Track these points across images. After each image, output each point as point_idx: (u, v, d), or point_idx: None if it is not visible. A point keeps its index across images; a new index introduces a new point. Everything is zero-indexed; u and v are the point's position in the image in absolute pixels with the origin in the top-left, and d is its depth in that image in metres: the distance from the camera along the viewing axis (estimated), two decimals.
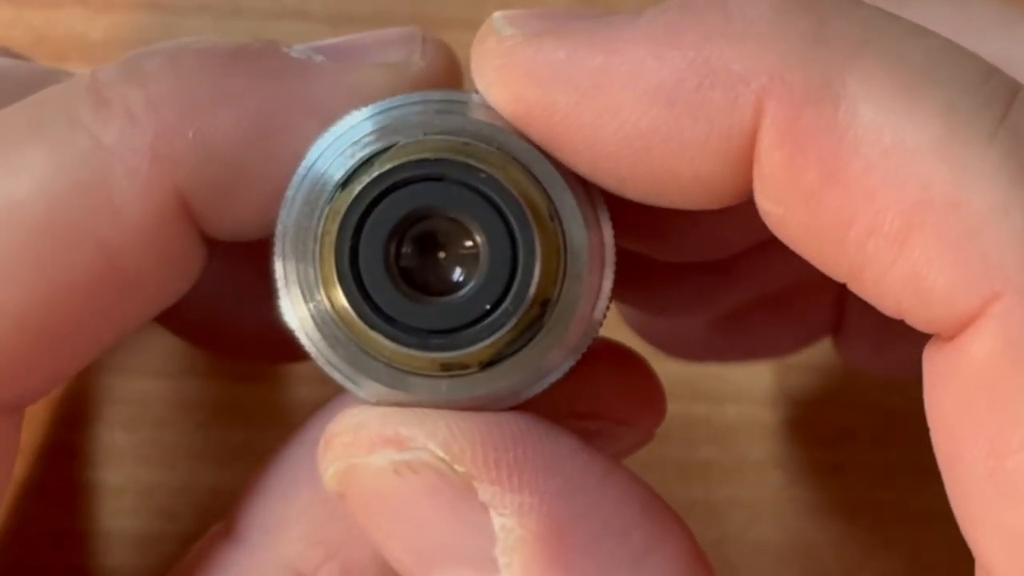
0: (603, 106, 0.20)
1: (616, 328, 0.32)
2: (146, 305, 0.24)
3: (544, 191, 0.21)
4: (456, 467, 0.21)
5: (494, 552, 0.21)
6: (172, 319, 0.29)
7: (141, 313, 0.24)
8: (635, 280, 0.28)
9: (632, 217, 0.23)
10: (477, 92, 0.22)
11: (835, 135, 0.20)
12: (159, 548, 0.35)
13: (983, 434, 0.19)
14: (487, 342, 0.21)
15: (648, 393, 0.26)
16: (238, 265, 0.27)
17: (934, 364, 0.20)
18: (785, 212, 0.20)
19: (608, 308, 0.22)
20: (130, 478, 0.36)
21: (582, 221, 0.21)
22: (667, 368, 0.37)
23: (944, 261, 0.19)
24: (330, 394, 0.25)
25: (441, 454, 0.21)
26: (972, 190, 0.19)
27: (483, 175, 0.21)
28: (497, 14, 0.22)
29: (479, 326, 0.21)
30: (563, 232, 0.21)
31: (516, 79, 0.21)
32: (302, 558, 0.25)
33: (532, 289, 0.21)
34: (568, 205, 0.21)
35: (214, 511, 0.28)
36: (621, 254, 0.23)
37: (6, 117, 0.23)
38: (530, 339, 0.21)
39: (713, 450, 0.37)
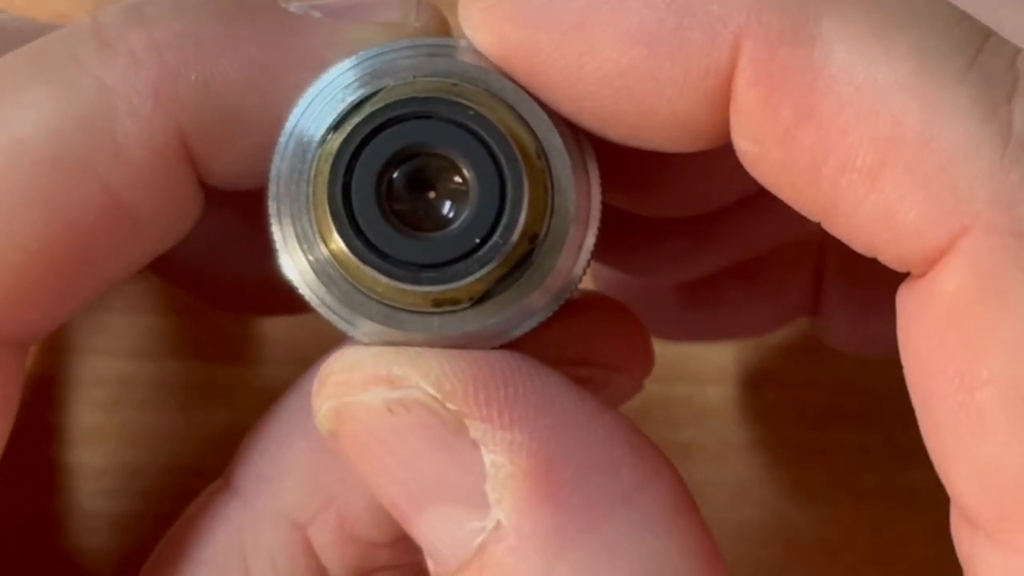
0: (585, 46, 0.21)
1: None
2: (145, 244, 0.24)
3: (531, 130, 0.22)
4: (448, 405, 0.21)
5: (485, 488, 0.21)
6: (169, 268, 0.30)
7: (140, 252, 0.24)
8: (614, 237, 0.29)
9: (615, 165, 0.23)
10: (465, 39, 0.22)
11: (809, 74, 0.20)
12: (141, 529, 0.35)
13: (953, 368, 0.20)
14: (477, 275, 0.21)
15: (636, 342, 0.26)
16: (234, 215, 0.27)
17: (906, 302, 0.21)
18: (761, 150, 0.21)
19: (596, 248, 0.23)
20: (112, 460, 0.36)
21: (568, 160, 0.22)
22: None
23: (915, 196, 0.20)
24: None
25: (433, 392, 0.21)
26: (943, 127, 0.19)
27: (471, 112, 0.21)
28: None
29: (469, 260, 0.21)
30: (550, 169, 0.22)
31: (501, 21, 0.21)
32: (299, 507, 0.26)
33: (520, 223, 0.21)
34: (555, 145, 0.22)
35: (196, 492, 0.28)
36: (603, 207, 0.23)
37: (11, 59, 0.23)
38: (520, 275, 0.22)
39: (695, 431, 0.37)
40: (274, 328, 0.37)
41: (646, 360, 0.26)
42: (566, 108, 0.22)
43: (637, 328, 0.26)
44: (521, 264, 0.22)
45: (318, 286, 0.22)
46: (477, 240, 0.21)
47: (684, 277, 0.33)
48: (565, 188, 0.22)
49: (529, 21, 0.21)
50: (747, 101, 0.20)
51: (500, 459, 0.21)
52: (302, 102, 0.22)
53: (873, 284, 0.22)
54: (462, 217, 0.22)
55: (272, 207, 0.22)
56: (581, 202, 0.22)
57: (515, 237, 0.21)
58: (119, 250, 0.24)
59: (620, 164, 0.23)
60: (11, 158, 0.22)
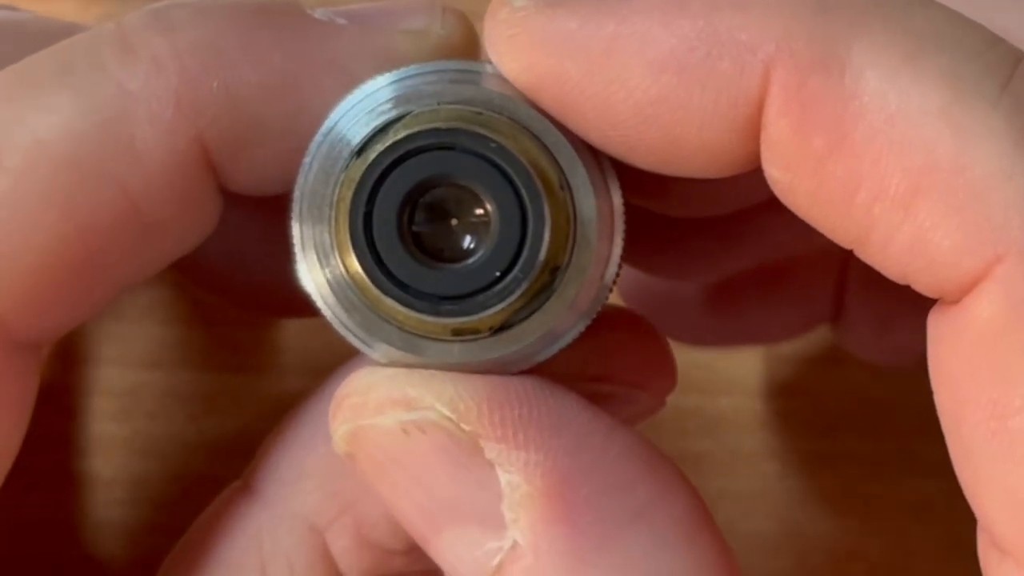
0: (614, 74, 0.21)
1: None
2: (163, 250, 0.24)
3: (555, 160, 0.22)
4: (463, 425, 0.21)
5: (501, 508, 0.21)
6: (191, 269, 0.30)
7: (157, 256, 0.24)
8: (637, 237, 0.29)
9: (638, 175, 0.23)
10: (491, 63, 0.22)
11: (841, 102, 0.20)
12: (150, 539, 0.35)
13: (986, 395, 0.20)
14: (497, 308, 0.21)
15: (658, 359, 0.26)
16: (256, 219, 0.27)
17: (938, 328, 0.21)
18: (792, 179, 0.21)
19: (618, 274, 0.23)
20: (122, 469, 0.36)
21: (592, 190, 0.22)
22: None
23: (949, 224, 0.20)
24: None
25: (448, 413, 0.21)
26: (976, 154, 0.19)
27: (494, 144, 0.21)
28: None
29: (489, 292, 0.21)
30: (573, 200, 0.22)
31: (528, 49, 0.21)
32: (317, 511, 0.26)
33: (541, 256, 0.21)
34: (578, 174, 0.22)
35: (207, 502, 0.28)
36: (627, 213, 0.23)
37: (34, 61, 0.23)
38: (540, 305, 0.22)
39: (705, 442, 0.37)
40: (285, 337, 0.37)
41: (668, 377, 0.26)
42: (594, 137, 0.22)
43: (659, 345, 0.26)
44: (542, 294, 0.22)
45: (338, 307, 0.22)
46: (497, 273, 0.21)
47: (709, 278, 0.33)
48: (587, 219, 0.22)
49: (557, 49, 0.21)
50: (778, 130, 0.20)
51: (516, 479, 0.21)
52: (327, 123, 0.22)
53: (896, 293, 0.22)
54: (483, 249, 0.22)
55: (295, 229, 0.22)
56: (603, 231, 0.22)
57: (535, 271, 0.21)
58: (135, 254, 0.24)
59: (642, 175, 0.23)
60: (31, 160, 0.22)
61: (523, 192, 0.21)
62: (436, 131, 0.21)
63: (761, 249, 0.31)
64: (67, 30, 0.27)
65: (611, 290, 0.23)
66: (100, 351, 0.36)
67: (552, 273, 0.21)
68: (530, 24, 0.21)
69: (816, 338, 0.37)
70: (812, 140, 0.20)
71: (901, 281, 0.21)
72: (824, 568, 0.37)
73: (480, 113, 0.21)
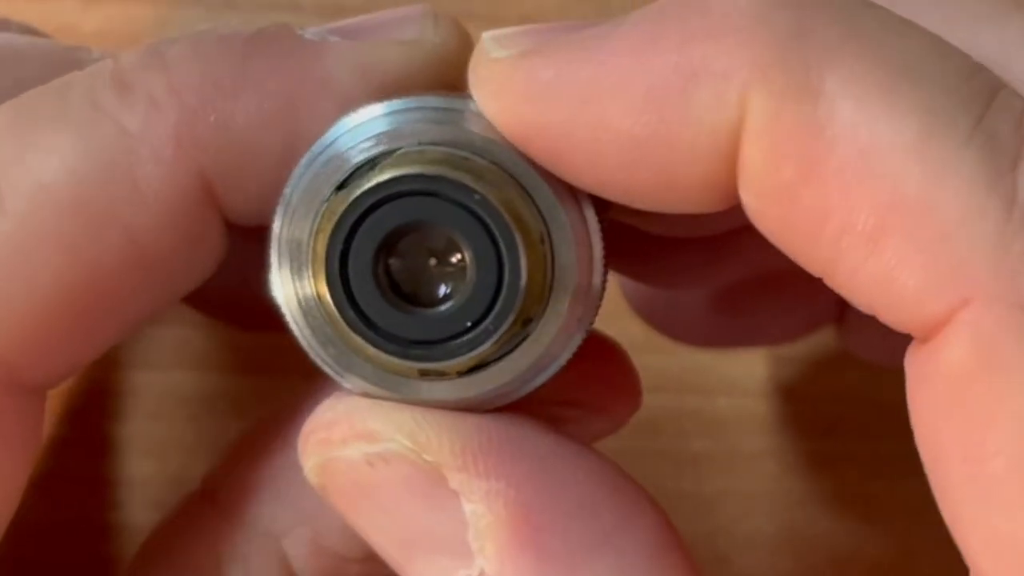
0: (596, 119, 0.20)
1: (617, 312, 0.32)
2: (170, 288, 0.24)
3: (538, 211, 0.21)
4: (425, 456, 0.21)
5: (467, 537, 0.21)
6: (199, 298, 0.30)
7: (165, 296, 0.24)
8: (633, 252, 0.29)
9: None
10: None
11: (813, 132, 0.19)
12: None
13: (961, 439, 0.19)
14: (466, 356, 0.21)
15: (624, 382, 0.26)
16: (254, 240, 0.27)
17: (913, 366, 0.20)
18: (763, 206, 0.20)
19: (592, 322, 0.23)
20: (121, 470, 0.36)
21: (573, 242, 0.22)
22: (658, 361, 0.37)
23: (915, 264, 0.19)
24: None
25: (409, 444, 0.22)
26: (945, 194, 0.19)
27: (477, 196, 0.21)
28: (486, 35, 0.22)
29: (460, 340, 0.21)
30: (553, 254, 0.22)
31: (511, 103, 0.21)
32: (274, 521, 0.26)
33: (515, 309, 0.21)
34: (560, 226, 0.22)
35: None
36: (616, 231, 0.23)
37: (31, 101, 0.23)
38: (511, 351, 0.22)
39: (705, 442, 0.37)
40: (285, 338, 0.37)
41: (633, 402, 0.26)
42: (586, 182, 0.21)
43: (626, 369, 0.26)
44: (513, 342, 0.22)
45: (313, 339, 0.22)
46: (469, 323, 0.21)
47: (702, 288, 0.33)
48: (566, 271, 0.22)
49: (538, 100, 0.21)
50: (750, 157, 0.20)
51: (479, 508, 0.21)
52: (311, 153, 0.22)
53: None
54: (456, 297, 0.21)
55: (273, 256, 0.22)
56: (582, 281, 0.22)
57: (507, 323, 0.21)
58: (142, 294, 0.23)
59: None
60: (34, 203, 0.22)
61: (502, 245, 0.21)
62: (420, 176, 0.21)
63: (751, 262, 0.31)
64: (68, 55, 0.27)
65: (588, 333, 0.22)
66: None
67: (525, 323, 0.21)
68: (509, 78, 0.21)
69: (816, 339, 0.37)
70: (783, 169, 0.20)
71: (869, 313, 0.20)
72: (824, 568, 0.37)
73: (467, 159, 0.21)
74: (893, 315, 0.20)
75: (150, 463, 0.36)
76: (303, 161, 0.22)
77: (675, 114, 0.20)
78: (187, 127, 0.23)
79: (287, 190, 0.22)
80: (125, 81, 0.23)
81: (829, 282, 0.21)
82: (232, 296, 0.29)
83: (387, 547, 0.22)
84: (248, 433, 0.27)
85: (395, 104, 0.22)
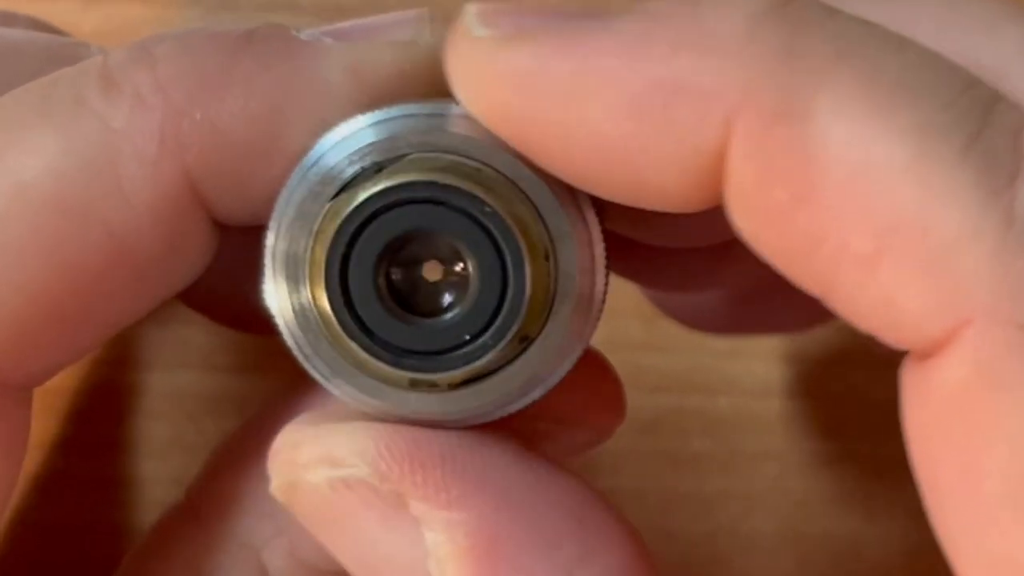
0: (575, 116, 0.20)
1: (617, 312, 0.32)
2: (155, 288, 0.24)
3: (545, 227, 0.21)
4: (385, 484, 0.21)
5: (428, 565, 0.21)
6: (191, 298, 0.29)
7: (150, 296, 0.24)
8: (637, 260, 0.28)
9: (621, 209, 0.23)
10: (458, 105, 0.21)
11: (805, 154, 0.19)
12: None
13: (958, 457, 0.19)
14: (460, 370, 0.21)
15: (607, 394, 0.26)
16: (248, 240, 0.27)
17: (909, 381, 0.20)
18: (755, 229, 0.20)
19: (591, 337, 0.22)
20: (121, 470, 0.36)
21: (575, 251, 0.21)
22: (659, 361, 0.37)
23: (914, 286, 0.19)
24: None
25: (371, 471, 0.21)
26: (942, 214, 0.19)
27: (488, 209, 0.21)
28: (470, 8, 0.21)
29: (455, 354, 0.21)
30: (556, 273, 0.21)
31: (490, 87, 0.21)
32: (252, 532, 0.26)
33: (516, 325, 0.21)
34: (566, 242, 0.21)
35: None
36: (616, 242, 0.22)
37: (15, 99, 0.23)
38: (505, 369, 0.21)
39: (706, 442, 0.37)
40: None
41: (616, 415, 0.26)
42: (563, 173, 0.21)
43: (610, 382, 0.26)
44: (508, 359, 0.21)
45: (303, 339, 0.22)
46: (467, 336, 0.21)
47: (717, 291, 0.32)
48: (569, 280, 0.21)
49: (518, 88, 0.20)
50: (741, 179, 0.20)
51: (439, 537, 0.21)
52: (311, 155, 0.22)
53: None
54: (456, 309, 0.21)
55: (268, 260, 0.22)
56: (584, 291, 0.22)
57: (506, 341, 0.21)
58: (126, 295, 0.23)
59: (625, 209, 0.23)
60: (14, 202, 0.22)
61: (508, 259, 0.21)
62: (431, 184, 0.21)
63: (752, 269, 0.31)
64: (66, 51, 0.27)
65: (582, 355, 0.22)
66: (99, 352, 0.36)
67: (522, 341, 0.21)
68: (490, 60, 0.20)
69: (816, 339, 0.37)
70: (775, 192, 0.19)
71: (869, 333, 0.20)
72: (824, 568, 0.37)
73: (479, 169, 0.21)
74: (893, 336, 0.20)
75: (150, 463, 0.36)
76: (301, 164, 0.22)
77: (653, 127, 0.20)
78: (172, 125, 0.22)
79: (286, 191, 0.22)
80: (111, 77, 0.22)
81: (827, 302, 0.20)
82: (225, 296, 0.29)
83: (353, 568, 0.23)
84: (227, 443, 0.27)
85: (392, 111, 0.22)
